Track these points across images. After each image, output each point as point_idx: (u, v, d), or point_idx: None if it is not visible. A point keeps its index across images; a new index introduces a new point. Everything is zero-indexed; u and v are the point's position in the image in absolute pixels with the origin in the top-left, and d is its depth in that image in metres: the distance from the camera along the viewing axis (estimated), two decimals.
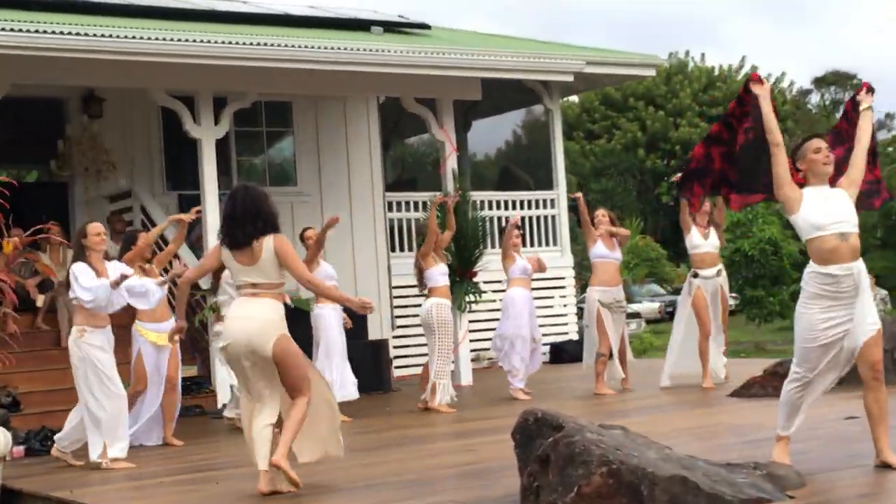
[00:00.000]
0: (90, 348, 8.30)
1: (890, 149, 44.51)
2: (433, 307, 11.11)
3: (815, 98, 53.58)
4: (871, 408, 6.49)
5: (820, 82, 53.50)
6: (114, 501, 6.94)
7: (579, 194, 12.38)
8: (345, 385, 10.68)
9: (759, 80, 7.10)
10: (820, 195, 6.43)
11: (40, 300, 12.25)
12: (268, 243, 6.71)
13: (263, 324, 6.69)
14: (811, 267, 6.42)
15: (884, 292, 26.28)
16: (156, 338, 9.36)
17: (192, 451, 9.17)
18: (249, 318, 6.70)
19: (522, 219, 16.16)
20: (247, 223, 6.72)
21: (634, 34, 77.71)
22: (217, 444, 9.83)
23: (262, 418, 6.76)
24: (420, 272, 11.28)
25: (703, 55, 48.25)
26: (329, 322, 10.77)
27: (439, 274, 11.19)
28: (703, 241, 11.55)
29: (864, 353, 6.37)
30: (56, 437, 8.81)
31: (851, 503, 5.66)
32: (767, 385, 10.53)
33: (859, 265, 6.38)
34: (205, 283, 10.52)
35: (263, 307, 6.75)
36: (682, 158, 41.67)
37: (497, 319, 12.38)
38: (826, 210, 6.38)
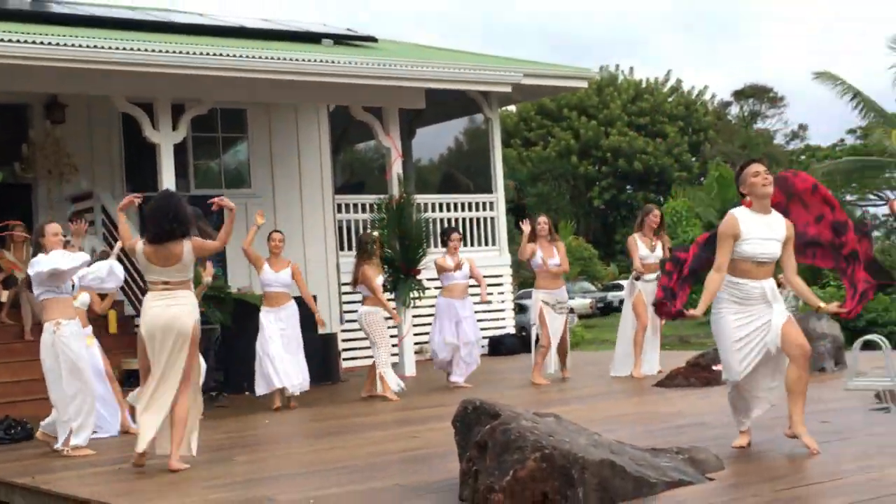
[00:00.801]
0: (66, 339, 8.18)
1: (803, 157, 45.14)
2: (364, 315, 11.27)
3: (734, 109, 54.19)
4: (792, 384, 6.56)
5: (739, 95, 54.13)
6: (75, 487, 6.84)
7: (525, 225, 12.37)
8: (303, 375, 10.84)
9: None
10: (756, 221, 6.52)
11: (4, 296, 12.07)
12: (187, 245, 7.34)
13: (189, 307, 7.41)
14: (727, 276, 6.55)
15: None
16: (88, 342, 9.18)
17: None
18: (175, 303, 7.35)
19: (463, 220, 16.22)
20: (172, 226, 7.32)
21: (570, 48, 78.14)
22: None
23: (154, 408, 7.26)
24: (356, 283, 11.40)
25: (631, 69, 48.73)
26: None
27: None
28: (649, 252, 11.89)
29: (785, 337, 6.47)
30: (42, 422, 8.63)
31: (765, 485, 5.71)
32: (690, 376, 10.65)
33: (770, 283, 6.55)
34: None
35: (187, 295, 7.45)
36: (612, 165, 42.01)
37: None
38: (761, 243, 6.48)
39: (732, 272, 6.53)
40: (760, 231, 6.49)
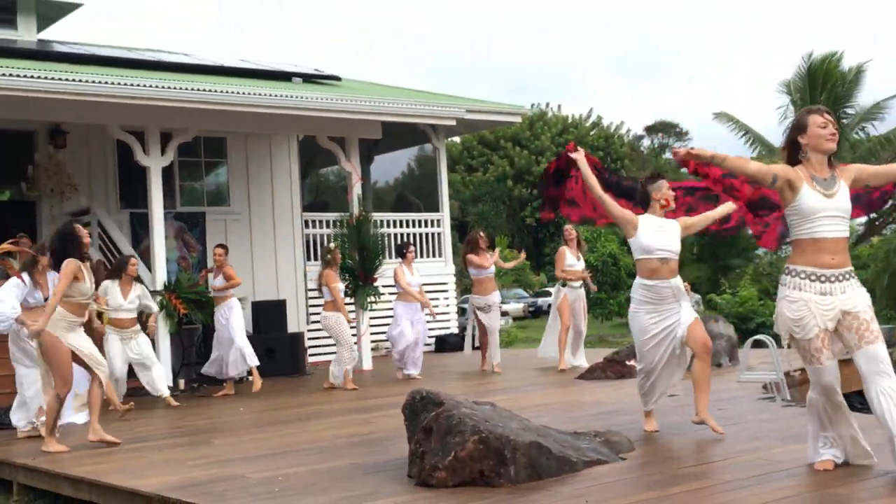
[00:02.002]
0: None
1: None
2: (325, 319, 11.25)
3: (646, 142, 54.72)
4: (698, 376, 6.64)
5: (650, 130, 54.71)
6: (70, 467, 6.74)
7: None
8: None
9: (575, 148, 7.14)
10: (654, 224, 6.58)
11: None
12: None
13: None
14: (639, 280, 6.61)
15: (697, 296, 26.88)
16: None
17: (140, 424, 8.94)
18: None
19: (414, 235, 16.22)
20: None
21: (511, 86, 78.43)
22: (153, 418, 9.61)
23: None
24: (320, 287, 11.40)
25: (559, 106, 48.95)
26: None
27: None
28: (575, 261, 11.98)
29: (691, 335, 6.54)
30: (15, 421, 8.53)
31: (670, 463, 5.76)
32: (607, 370, 10.72)
33: (676, 281, 6.59)
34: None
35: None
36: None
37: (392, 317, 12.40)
38: (657, 238, 6.52)
39: (643, 274, 6.55)
40: (657, 233, 6.52)
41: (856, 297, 5.02)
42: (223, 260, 11.21)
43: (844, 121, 25.83)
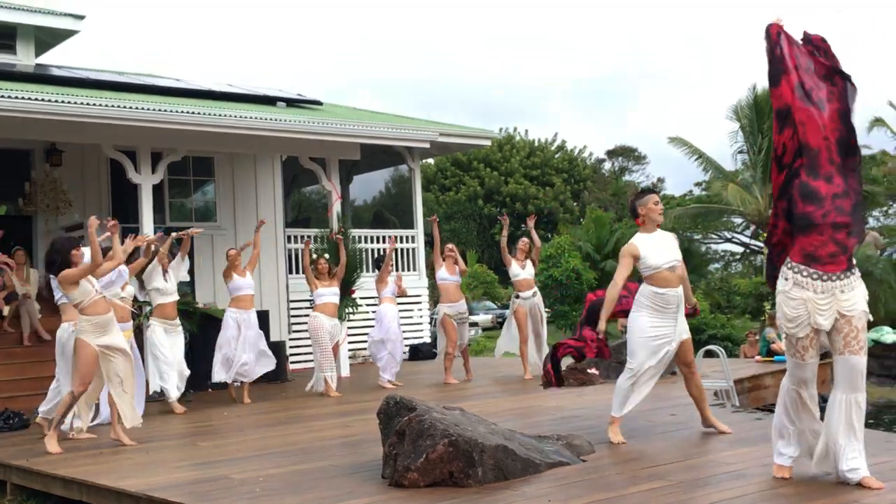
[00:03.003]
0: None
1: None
2: (308, 320, 11.07)
3: (607, 165, 55.00)
4: (693, 392, 6.76)
5: (611, 154, 54.97)
6: (61, 468, 6.66)
7: (434, 217, 12.49)
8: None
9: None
10: (650, 241, 6.47)
11: (6, 309, 11.80)
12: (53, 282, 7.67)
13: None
14: (649, 288, 6.45)
15: None
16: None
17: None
18: None
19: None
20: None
21: (482, 111, 78.60)
22: (146, 420, 9.51)
23: None
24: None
25: (526, 130, 49.32)
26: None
27: (319, 295, 11.06)
28: (521, 270, 11.75)
29: (680, 355, 6.57)
30: (41, 408, 8.34)
31: (627, 464, 5.78)
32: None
33: (681, 290, 6.52)
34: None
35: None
36: (510, 208, 42.35)
37: (371, 326, 12.36)
38: (659, 254, 6.44)
39: (655, 284, 6.41)
40: (657, 249, 6.45)
41: (853, 301, 4.89)
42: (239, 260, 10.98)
43: None
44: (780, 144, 4.98)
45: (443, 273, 11.70)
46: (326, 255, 11.64)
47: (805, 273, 4.91)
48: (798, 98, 4.90)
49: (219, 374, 10.68)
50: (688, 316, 6.72)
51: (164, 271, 9.99)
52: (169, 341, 9.86)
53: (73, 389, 7.47)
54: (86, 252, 7.82)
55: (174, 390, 9.82)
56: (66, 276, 7.37)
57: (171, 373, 9.79)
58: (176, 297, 10.06)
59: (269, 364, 10.92)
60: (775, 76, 4.93)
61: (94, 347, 7.38)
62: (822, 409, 5.09)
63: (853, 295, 4.91)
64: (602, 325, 6.60)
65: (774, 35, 4.92)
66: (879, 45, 74.90)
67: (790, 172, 4.94)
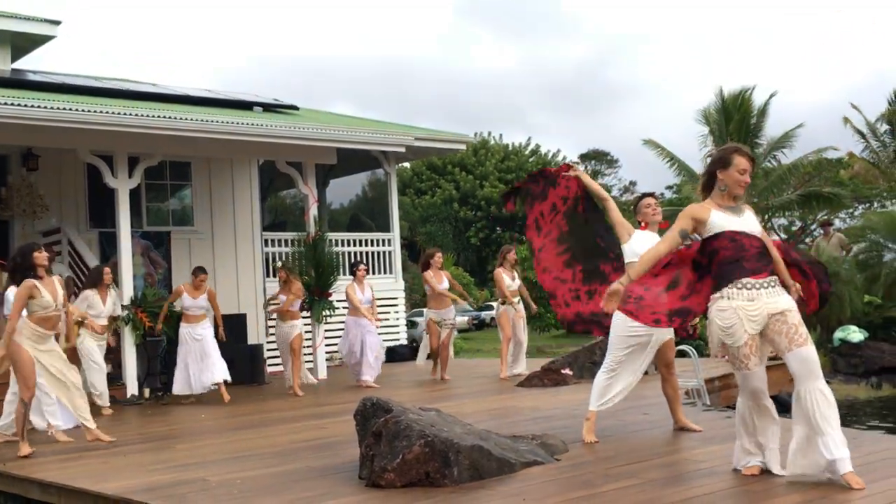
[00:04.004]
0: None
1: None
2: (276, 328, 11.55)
3: (581, 168, 55.19)
4: (668, 392, 6.79)
5: (584, 157, 55.21)
6: (38, 472, 6.59)
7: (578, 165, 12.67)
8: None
9: (570, 167, 7.01)
10: (646, 236, 6.52)
11: None
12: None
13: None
14: None
15: None
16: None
17: (105, 431, 8.76)
18: None
19: (367, 253, 16.17)
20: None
21: (458, 115, 78.65)
22: (118, 424, 9.44)
23: None
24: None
25: (501, 135, 49.22)
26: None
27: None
28: (512, 282, 11.97)
29: (660, 354, 6.58)
30: None
31: (600, 464, 5.79)
32: (544, 378, 10.75)
33: None
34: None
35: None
36: (485, 211, 42.45)
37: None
38: (646, 246, 6.43)
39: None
40: (647, 243, 6.33)
41: (781, 301, 4.99)
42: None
43: (757, 150, 26.30)
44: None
45: (434, 282, 11.94)
46: (281, 263, 11.91)
47: (732, 286, 5.00)
48: None
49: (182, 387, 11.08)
50: (686, 336, 6.78)
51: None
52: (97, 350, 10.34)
53: (21, 397, 7.42)
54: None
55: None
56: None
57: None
58: (105, 319, 10.55)
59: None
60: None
61: (29, 352, 7.39)
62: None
63: (779, 298, 5.00)
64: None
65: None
66: (879, 45, 75.46)
67: None
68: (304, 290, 12.04)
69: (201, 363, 10.91)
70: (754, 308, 4.96)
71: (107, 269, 10.64)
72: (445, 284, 12.01)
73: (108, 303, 10.53)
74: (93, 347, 10.26)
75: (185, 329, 11.06)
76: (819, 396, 4.83)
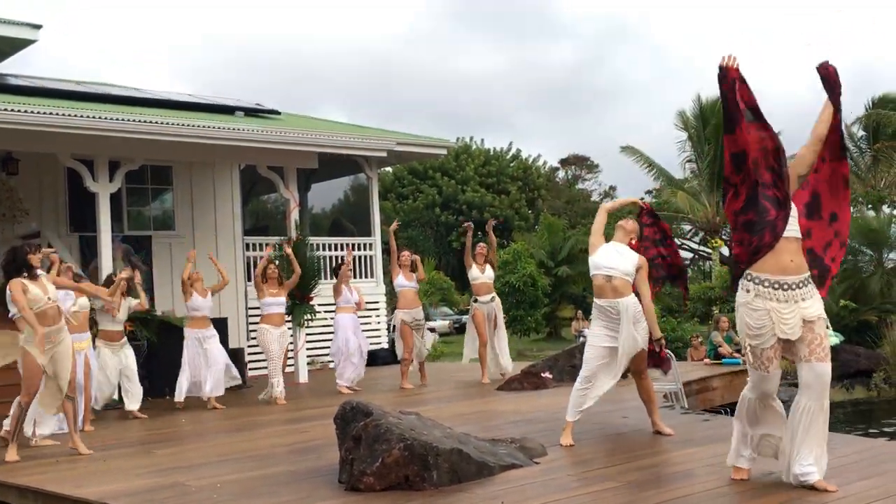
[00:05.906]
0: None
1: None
2: (257, 333, 11.12)
3: (561, 173, 55.34)
4: (643, 396, 6.88)
5: (564, 162, 55.33)
6: (21, 477, 6.53)
7: (396, 223, 12.53)
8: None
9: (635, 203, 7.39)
10: (613, 248, 6.61)
11: None
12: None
13: None
14: (595, 300, 6.63)
15: None
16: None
17: (84, 436, 8.69)
18: None
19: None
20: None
21: (443, 118, 78.58)
22: (97, 429, 9.36)
23: None
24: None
25: (482, 140, 49.27)
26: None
27: (265, 304, 11.04)
28: (480, 274, 11.72)
29: (633, 363, 6.63)
30: (5, 421, 8.17)
31: (578, 466, 5.81)
32: (524, 381, 10.75)
33: (625, 302, 6.46)
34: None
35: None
36: (467, 215, 42.52)
37: (329, 334, 12.30)
38: (607, 258, 6.53)
39: (595, 293, 6.59)
40: (610, 254, 6.54)
41: (814, 307, 4.87)
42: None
43: None
44: (732, 185, 4.98)
45: (401, 280, 11.68)
46: (276, 263, 11.62)
47: (767, 283, 4.85)
48: (754, 143, 4.87)
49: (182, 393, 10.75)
50: (657, 363, 6.97)
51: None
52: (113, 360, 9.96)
53: (19, 399, 7.37)
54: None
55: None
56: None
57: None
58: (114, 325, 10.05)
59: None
60: (731, 123, 4.87)
61: (39, 361, 7.24)
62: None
63: (813, 301, 4.89)
64: (656, 332, 6.77)
65: (730, 80, 4.80)
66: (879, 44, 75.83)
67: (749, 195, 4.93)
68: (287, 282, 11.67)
69: (206, 371, 10.62)
70: (788, 311, 4.82)
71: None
72: (413, 284, 11.70)
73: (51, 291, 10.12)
74: (108, 359, 9.84)
75: (190, 333, 10.73)
76: (819, 415, 4.80)
